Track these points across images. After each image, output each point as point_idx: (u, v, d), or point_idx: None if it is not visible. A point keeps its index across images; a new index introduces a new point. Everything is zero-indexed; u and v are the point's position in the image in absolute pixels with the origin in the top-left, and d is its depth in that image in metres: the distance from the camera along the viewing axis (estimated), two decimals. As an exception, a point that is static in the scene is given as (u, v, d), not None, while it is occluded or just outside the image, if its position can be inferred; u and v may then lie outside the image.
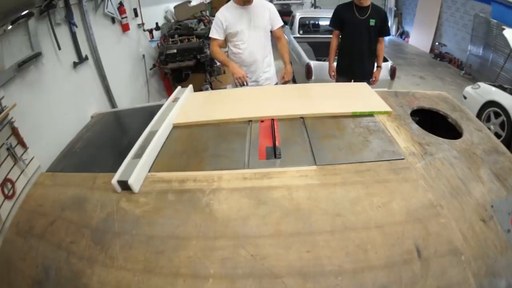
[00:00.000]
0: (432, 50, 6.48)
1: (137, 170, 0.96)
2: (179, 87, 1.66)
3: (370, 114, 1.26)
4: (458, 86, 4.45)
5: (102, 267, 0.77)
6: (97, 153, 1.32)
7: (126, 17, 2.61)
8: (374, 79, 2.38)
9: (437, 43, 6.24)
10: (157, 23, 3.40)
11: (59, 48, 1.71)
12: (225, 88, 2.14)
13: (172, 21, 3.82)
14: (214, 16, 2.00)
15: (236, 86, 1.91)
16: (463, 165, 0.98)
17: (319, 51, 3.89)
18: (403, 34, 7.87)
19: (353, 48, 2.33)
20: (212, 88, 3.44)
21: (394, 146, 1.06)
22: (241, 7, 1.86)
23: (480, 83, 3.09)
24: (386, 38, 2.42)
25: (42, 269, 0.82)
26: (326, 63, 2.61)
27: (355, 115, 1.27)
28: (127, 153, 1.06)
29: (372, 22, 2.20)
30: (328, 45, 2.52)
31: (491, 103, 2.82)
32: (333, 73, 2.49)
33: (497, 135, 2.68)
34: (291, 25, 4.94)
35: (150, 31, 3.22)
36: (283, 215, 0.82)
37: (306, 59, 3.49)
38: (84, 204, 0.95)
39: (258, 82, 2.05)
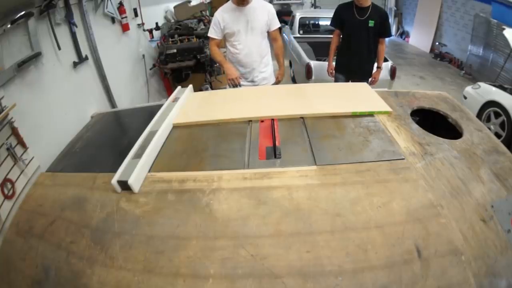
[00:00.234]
0: (432, 50, 6.48)
1: (137, 170, 0.96)
2: (179, 87, 1.65)
3: (370, 114, 1.26)
4: (458, 86, 4.45)
5: (102, 267, 0.77)
6: (97, 153, 1.32)
7: (126, 17, 2.61)
8: (373, 79, 2.38)
9: (437, 43, 6.24)
10: (157, 23, 3.40)
11: (59, 48, 1.71)
12: (225, 88, 2.15)
13: (172, 21, 3.82)
14: (213, 16, 2.03)
15: (230, 87, 1.96)
16: (463, 165, 0.98)
17: (319, 51, 3.89)
18: (403, 34, 7.87)
19: (352, 48, 2.33)
20: (212, 88, 3.44)
21: (394, 146, 1.06)
22: (238, 7, 1.88)
23: (480, 83, 3.08)
24: (386, 38, 2.41)
25: (42, 269, 0.82)
26: (326, 63, 2.60)
27: (355, 115, 1.27)
28: (127, 153, 1.06)
29: (371, 23, 2.19)
30: (328, 45, 2.53)
31: (491, 103, 2.82)
32: (331, 72, 2.50)
33: (497, 135, 2.68)
34: (291, 25, 4.94)
35: (150, 31, 3.22)
36: (283, 215, 0.82)
37: (306, 59, 3.49)
38: (84, 204, 0.95)
39: (255, 82, 2.07)
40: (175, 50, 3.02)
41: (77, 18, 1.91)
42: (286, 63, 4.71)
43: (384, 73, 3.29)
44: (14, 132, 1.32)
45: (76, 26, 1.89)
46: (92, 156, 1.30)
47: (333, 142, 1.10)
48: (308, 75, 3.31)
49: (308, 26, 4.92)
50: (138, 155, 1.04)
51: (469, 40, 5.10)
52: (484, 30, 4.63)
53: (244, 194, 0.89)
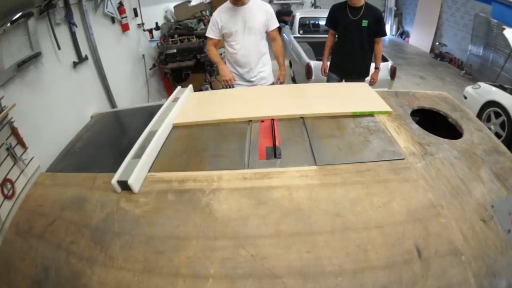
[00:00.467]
0: (432, 50, 6.47)
1: (137, 170, 0.96)
2: (179, 87, 1.65)
3: (370, 114, 1.26)
4: (459, 86, 4.44)
5: (102, 267, 0.77)
6: (97, 153, 1.32)
7: (126, 17, 2.61)
8: (372, 80, 2.36)
9: (437, 43, 6.23)
10: (157, 23, 3.40)
11: (59, 48, 1.71)
12: (223, 87, 2.16)
13: (172, 21, 3.82)
14: (212, 16, 2.03)
15: (224, 88, 2.00)
16: (464, 165, 0.98)
17: (319, 51, 3.86)
18: (403, 34, 7.86)
19: (345, 47, 2.32)
20: (212, 88, 3.44)
21: (394, 146, 1.06)
22: (236, 7, 1.89)
23: (481, 83, 3.08)
24: (386, 38, 2.41)
25: (42, 269, 0.82)
26: (326, 63, 2.60)
27: (355, 115, 1.27)
28: (127, 153, 1.06)
29: (364, 22, 2.18)
30: None
31: (491, 103, 2.82)
32: (325, 71, 2.50)
33: (498, 135, 2.68)
34: (291, 25, 4.93)
35: (150, 31, 3.22)
36: (283, 215, 0.82)
37: (306, 59, 3.49)
38: (84, 204, 0.95)
39: (253, 82, 2.08)
40: (175, 50, 3.02)
41: (77, 18, 1.91)
42: (286, 63, 4.71)
43: (384, 73, 3.29)
44: (14, 132, 1.32)
45: (76, 26, 1.89)
46: (92, 156, 1.30)
47: (333, 142, 1.10)
48: (308, 75, 3.31)
49: (308, 26, 4.92)
50: (138, 155, 1.04)
51: (469, 40, 5.10)
52: (484, 30, 4.63)
53: (244, 194, 0.89)
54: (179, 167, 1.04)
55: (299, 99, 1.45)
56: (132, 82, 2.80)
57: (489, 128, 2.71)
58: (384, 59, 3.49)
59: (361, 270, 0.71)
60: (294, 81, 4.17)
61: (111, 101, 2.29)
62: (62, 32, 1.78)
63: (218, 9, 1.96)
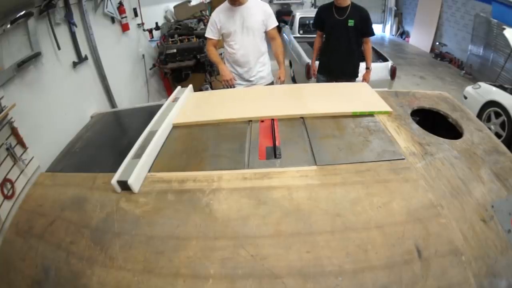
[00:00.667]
0: (432, 50, 6.47)
1: (137, 170, 0.96)
2: (179, 87, 1.65)
3: (370, 114, 1.26)
4: (459, 86, 4.44)
5: (101, 267, 0.77)
6: (97, 153, 1.32)
7: (125, 16, 2.61)
8: (363, 81, 2.32)
9: (437, 43, 6.23)
10: (156, 23, 3.40)
11: (59, 48, 1.71)
12: (223, 87, 2.17)
13: (172, 21, 3.82)
14: (210, 16, 2.04)
15: (224, 88, 2.01)
16: (464, 165, 0.98)
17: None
18: (404, 34, 7.86)
19: (331, 48, 2.32)
20: (212, 88, 3.44)
21: (394, 146, 1.06)
22: (234, 7, 1.89)
23: (481, 83, 3.08)
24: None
25: (42, 269, 0.82)
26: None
27: (355, 115, 1.27)
28: (127, 153, 1.06)
29: (350, 22, 2.16)
30: None
31: (491, 103, 2.82)
32: (313, 73, 2.49)
33: (498, 135, 2.68)
34: (291, 25, 4.93)
35: (150, 31, 3.22)
36: (283, 215, 0.82)
37: (306, 59, 3.49)
38: (84, 204, 0.95)
39: (252, 81, 2.08)
40: (175, 50, 3.02)
41: (76, 18, 1.91)
42: (286, 62, 4.71)
43: (384, 73, 3.29)
44: (14, 132, 1.32)
45: (76, 26, 1.88)
46: (92, 156, 1.30)
47: (333, 142, 1.10)
48: (308, 75, 3.30)
49: (308, 26, 4.92)
50: (138, 155, 1.04)
51: (469, 40, 5.09)
52: (485, 30, 4.62)
53: (244, 194, 0.89)
54: (179, 167, 1.04)
55: (299, 99, 1.45)
56: (132, 82, 2.80)
57: (489, 128, 2.71)
58: (384, 59, 3.50)
59: (361, 270, 0.71)
60: (294, 81, 4.17)
61: (111, 101, 2.29)
62: (62, 32, 1.78)
63: (217, 9, 1.97)
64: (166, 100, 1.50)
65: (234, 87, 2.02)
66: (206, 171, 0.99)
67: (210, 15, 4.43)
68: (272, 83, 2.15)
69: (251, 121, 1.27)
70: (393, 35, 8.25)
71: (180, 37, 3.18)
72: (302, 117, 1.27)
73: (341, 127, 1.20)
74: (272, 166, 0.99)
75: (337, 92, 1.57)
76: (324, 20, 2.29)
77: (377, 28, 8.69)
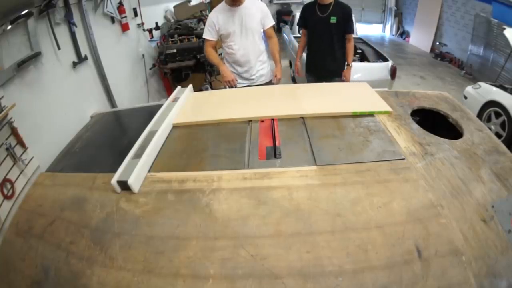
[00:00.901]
0: (432, 50, 6.47)
1: (136, 170, 0.96)
2: (178, 87, 1.65)
3: (371, 114, 1.26)
4: (459, 86, 4.44)
5: (101, 267, 0.77)
6: (97, 153, 1.32)
7: (125, 16, 2.61)
8: (344, 79, 2.28)
9: (437, 43, 6.23)
10: (156, 23, 3.39)
11: (59, 48, 1.71)
12: (225, 88, 2.17)
13: (172, 20, 3.82)
14: (208, 17, 2.04)
15: (226, 87, 2.02)
16: (464, 165, 0.98)
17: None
18: (404, 34, 7.86)
19: (315, 46, 2.30)
20: (212, 88, 3.43)
21: (394, 146, 1.05)
22: (231, 8, 1.89)
23: (481, 83, 3.08)
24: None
25: (42, 269, 0.82)
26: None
27: (355, 115, 1.26)
28: (126, 153, 1.06)
29: (333, 19, 2.14)
30: None
31: (491, 103, 2.82)
32: (297, 73, 2.46)
33: (498, 135, 2.68)
34: (291, 24, 4.92)
35: (150, 30, 3.21)
36: (283, 215, 0.82)
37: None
38: (84, 204, 0.94)
39: (253, 80, 2.10)
40: (175, 50, 3.02)
41: (76, 18, 1.91)
42: (286, 62, 4.71)
43: (384, 73, 3.29)
44: (14, 132, 1.32)
45: (76, 26, 1.88)
46: (91, 156, 1.30)
47: (333, 142, 1.10)
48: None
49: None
50: (138, 155, 1.04)
51: (469, 40, 5.09)
52: (485, 30, 4.62)
53: (244, 194, 0.89)
54: (179, 167, 1.04)
55: (299, 99, 1.45)
56: (132, 82, 2.80)
57: (490, 128, 2.71)
58: (384, 59, 3.50)
59: (361, 270, 0.71)
60: (294, 81, 4.17)
61: (111, 101, 2.29)
62: (62, 32, 1.78)
63: (214, 10, 1.96)
64: (166, 100, 1.50)
65: (236, 87, 2.02)
66: (206, 171, 0.99)
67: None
68: (270, 81, 2.17)
69: (251, 121, 1.27)
70: (393, 35, 8.25)
71: (180, 37, 3.18)
72: (302, 117, 1.27)
73: (341, 127, 1.20)
74: (272, 166, 0.99)
75: (337, 92, 1.57)
76: (308, 18, 2.27)
77: (377, 28, 8.70)
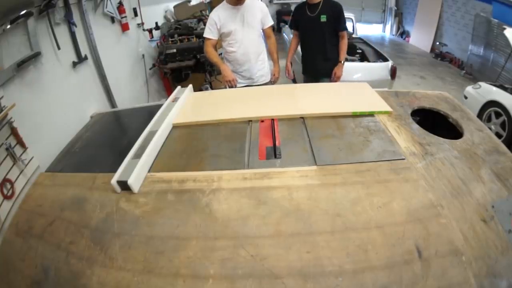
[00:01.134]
0: (432, 49, 6.47)
1: (136, 170, 0.96)
2: (178, 87, 1.65)
3: (371, 114, 1.26)
4: (459, 86, 4.44)
5: (101, 267, 0.77)
6: (97, 153, 1.32)
7: (125, 16, 2.61)
8: (334, 75, 2.22)
9: (437, 43, 6.22)
10: (156, 23, 3.39)
11: (59, 48, 1.71)
12: (225, 87, 2.18)
13: (172, 20, 3.82)
14: (209, 17, 2.05)
15: (226, 87, 2.02)
16: (464, 165, 0.98)
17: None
18: (404, 34, 7.85)
19: (307, 46, 2.28)
20: (212, 88, 3.43)
21: (394, 146, 1.05)
22: (233, 7, 1.92)
23: (481, 83, 3.08)
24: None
25: (41, 270, 0.82)
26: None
27: (355, 115, 1.26)
28: (126, 153, 1.06)
29: (323, 18, 2.10)
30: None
31: (492, 103, 2.81)
32: (288, 73, 2.43)
33: (498, 135, 2.68)
34: (291, 24, 4.90)
35: (150, 30, 3.21)
36: (283, 215, 0.82)
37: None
38: (84, 204, 0.94)
39: (253, 79, 2.11)
40: (175, 50, 3.02)
41: (76, 18, 1.91)
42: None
43: (385, 73, 3.29)
44: (14, 132, 1.32)
45: (76, 26, 1.88)
46: (91, 156, 1.30)
47: (333, 142, 1.10)
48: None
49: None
50: (138, 155, 1.04)
51: (469, 39, 5.09)
52: (485, 29, 4.62)
53: (244, 194, 0.89)
54: (179, 167, 1.04)
55: (299, 99, 1.45)
56: (132, 82, 2.80)
57: (490, 128, 2.71)
58: (384, 59, 3.50)
59: (361, 270, 0.71)
60: (294, 81, 4.16)
61: (111, 101, 2.29)
62: (62, 32, 1.78)
63: (215, 9, 1.98)
64: (166, 100, 1.50)
65: (236, 87, 2.02)
66: (206, 171, 0.99)
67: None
68: (269, 81, 2.18)
69: (251, 121, 1.27)
70: (393, 35, 8.24)
71: (180, 37, 3.17)
72: (302, 117, 1.27)
73: (341, 127, 1.19)
74: (272, 166, 0.99)
75: (337, 92, 1.57)
76: (298, 19, 2.26)
77: (377, 28, 8.69)
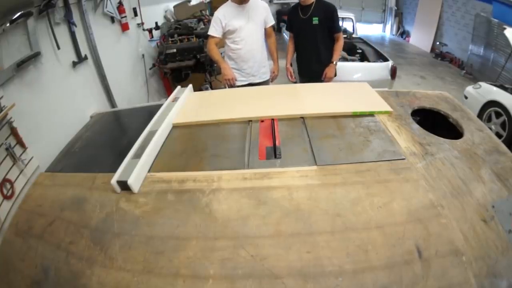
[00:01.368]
0: (433, 49, 6.47)
1: (136, 170, 0.96)
2: (178, 87, 1.65)
3: (371, 114, 1.26)
4: (459, 86, 4.44)
5: (101, 267, 0.77)
6: (97, 153, 1.32)
7: (125, 16, 2.61)
8: (324, 75, 2.16)
9: (438, 43, 6.22)
10: (156, 23, 3.39)
11: (58, 48, 1.71)
12: (225, 87, 2.18)
13: (172, 20, 3.81)
14: (213, 15, 2.06)
15: (226, 87, 2.07)
16: (464, 165, 0.98)
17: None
18: (404, 34, 7.85)
19: (301, 48, 2.27)
20: (212, 88, 3.43)
21: (394, 146, 1.05)
22: (238, 5, 1.96)
23: (481, 83, 3.07)
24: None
25: (41, 270, 0.82)
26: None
27: (355, 115, 1.26)
28: (126, 153, 1.06)
29: (315, 20, 2.07)
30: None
31: (492, 103, 2.81)
32: (290, 75, 2.38)
33: (498, 135, 2.67)
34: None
35: (150, 30, 3.21)
36: (283, 215, 0.82)
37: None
38: (84, 204, 0.94)
39: (256, 76, 2.15)
40: (174, 50, 3.02)
41: (76, 18, 1.91)
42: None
43: (385, 73, 3.29)
44: (13, 132, 1.32)
45: (76, 26, 1.88)
46: (91, 156, 1.30)
47: (334, 142, 1.09)
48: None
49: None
50: (138, 155, 1.03)
51: (470, 39, 5.09)
52: (485, 29, 4.61)
53: (244, 194, 0.89)
54: (179, 167, 1.03)
55: (299, 99, 1.45)
56: (132, 82, 2.80)
57: (490, 128, 2.71)
58: (385, 59, 3.49)
59: (361, 270, 0.71)
60: (296, 83, 4.16)
61: (111, 101, 2.29)
62: (62, 32, 1.77)
63: (220, 8, 2.01)
64: (166, 100, 1.50)
65: (235, 86, 2.05)
66: (206, 171, 0.99)
67: (210, 14, 4.44)
68: (268, 79, 2.23)
69: (251, 121, 1.27)
70: (393, 35, 8.24)
71: (180, 37, 3.17)
72: (302, 117, 1.27)
73: (341, 127, 1.19)
74: (272, 166, 0.99)
75: (337, 92, 1.57)
76: (292, 20, 2.24)
77: (377, 28, 8.69)
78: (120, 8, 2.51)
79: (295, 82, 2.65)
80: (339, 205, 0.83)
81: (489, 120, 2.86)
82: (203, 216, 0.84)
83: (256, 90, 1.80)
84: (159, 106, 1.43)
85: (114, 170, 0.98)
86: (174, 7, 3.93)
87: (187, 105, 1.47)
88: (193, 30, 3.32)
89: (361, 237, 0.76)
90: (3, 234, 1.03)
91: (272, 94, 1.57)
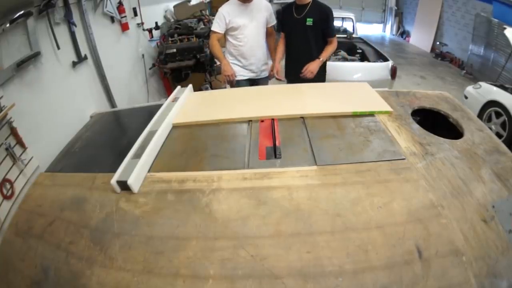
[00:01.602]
0: (433, 49, 6.47)
1: (136, 170, 0.95)
2: (178, 87, 1.65)
3: (371, 114, 1.26)
4: (459, 86, 4.44)
5: (101, 267, 0.77)
6: (97, 153, 1.32)
7: (125, 16, 2.60)
8: (305, 69, 2.00)
9: (438, 43, 6.23)
10: (156, 23, 3.39)
11: (58, 48, 1.70)
12: (225, 87, 2.18)
13: (172, 20, 3.81)
14: (213, 15, 2.11)
15: (226, 83, 2.09)
16: (464, 165, 0.98)
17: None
18: (404, 34, 7.85)
19: (292, 49, 2.18)
20: (212, 88, 3.43)
21: (394, 146, 1.05)
22: (242, 4, 1.99)
23: (481, 83, 3.07)
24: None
25: (41, 270, 0.82)
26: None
27: (355, 115, 1.26)
28: (126, 153, 1.06)
29: (309, 21, 1.97)
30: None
31: (492, 103, 2.81)
32: (277, 74, 2.26)
33: (498, 135, 2.67)
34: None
35: (150, 30, 3.21)
36: (283, 215, 0.82)
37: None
38: (83, 204, 0.94)
39: (257, 73, 2.18)
40: (174, 50, 3.02)
41: (76, 18, 1.91)
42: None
43: (385, 73, 3.29)
44: (13, 132, 1.32)
45: (75, 26, 1.88)
46: (91, 156, 1.30)
47: (334, 142, 1.09)
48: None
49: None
50: (138, 155, 1.03)
51: (470, 39, 5.09)
52: (485, 29, 4.62)
53: (244, 194, 0.88)
54: (179, 167, 1.03)
55: (299, 99, 1.45)
56: (132, 82, 2.80)
57: (490, 128, 2.71)
58: (385, 59, 3.49)
59: (362, 270, 0.71)
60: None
61: (111, 101, 2.28)
62: (62, 32, 1.77)
63: (225, 5, 2.04)
64: (166, 100, 1.50)
65: (234, 83, 2.06)
66: (206, 171, 0.99)
67: (210, 14, 4.44)
68: (267, 77, 2.25)
69: (251, 121, 1.27)
70: (393, 35, 8.24)
71: (180, 37, 3.17)
72: (302, 117, 1.27)
73: (341, 127, 1.19)
74: (272, 166, 0.99)
75: (337, 92, 1.57)
76: (284, 20, 2.16)
77: (377, 27, 8.69)
78: (120, 8, 2.51)
79: (281, 82, 2.60)
80: (339, 205, 0.83)
81: (489, 120, 2.86)
82: (203, 216, 0.84)
83: (256, 90, 1.79)
84: (159, 106, 1.42)
85: (114, 170, 0.97)
86: (174, 7, 3.93)
87: (187, 105, 1.47)
88: (193, 30, 3.31)
89: (361, 237, 0.76)
90: (3, 234, 1.03)
91: (272, 94, 1.57)
